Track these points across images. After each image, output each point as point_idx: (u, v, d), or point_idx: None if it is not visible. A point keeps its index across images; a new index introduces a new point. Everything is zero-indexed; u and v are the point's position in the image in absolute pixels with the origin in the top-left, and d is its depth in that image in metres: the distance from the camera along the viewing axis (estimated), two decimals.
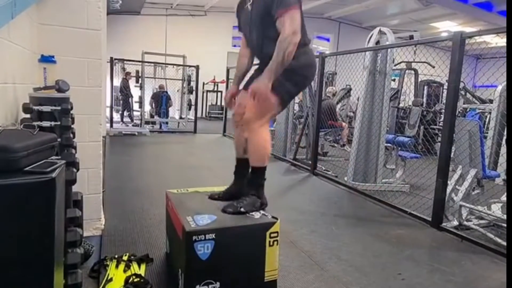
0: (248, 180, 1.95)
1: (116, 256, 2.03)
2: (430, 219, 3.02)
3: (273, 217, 1.87)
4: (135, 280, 1.83)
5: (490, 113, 5.61)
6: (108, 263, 1.99)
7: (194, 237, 1.64)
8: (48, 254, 1.05)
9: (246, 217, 1.84)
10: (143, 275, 1.91)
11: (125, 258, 2.02)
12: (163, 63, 9.89)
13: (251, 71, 2.15)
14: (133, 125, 9.02)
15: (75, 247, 1.39)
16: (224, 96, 2.10)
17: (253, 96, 1.76)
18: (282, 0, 1.77)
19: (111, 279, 1.84)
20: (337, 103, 7.99)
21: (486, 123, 5.88)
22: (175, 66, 9.90)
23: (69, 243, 1.36)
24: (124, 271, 1.92)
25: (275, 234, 1.82)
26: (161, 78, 10.13)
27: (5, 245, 0.98)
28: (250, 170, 1.96)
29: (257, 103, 1.80)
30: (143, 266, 2.01)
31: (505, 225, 2.85)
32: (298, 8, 1.81)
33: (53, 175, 1.04)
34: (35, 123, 1.51)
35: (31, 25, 2.02)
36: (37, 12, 2.10)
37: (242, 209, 1.82)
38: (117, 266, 1.95)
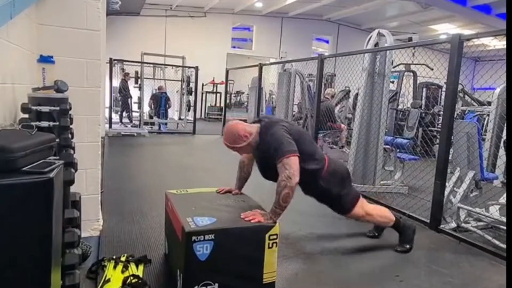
0: (396, 231, 2.62)
1: (114, 257, 2.03)
2: (428, 221, 3.02)
3: None
4: (133, 281, 1.82)
5: (488, 115, 5.62)
6: (106, 264, 1.98)
7: (193, 238, 1.64)
8: (46, 254, 1.05)
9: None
10: (141, 276, 1.91)
11: (123, 259, 2.02)
12: (162, 64, 9.89)
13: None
14: (132, 126, 9.01)
15: (73, 247, 1.39)
16: (220, 189, 2.31)
17: (251, 215, 1.88)
18: (279, 151, 2.01)
19: (108, 280, 1.83)
20: (336, 104, 8.00)
21: (484, 125, 5.89)
22: (174, 67, 9.89)
23: (67, 243, 1.35)
24: (122, 272, 1.91)
25: (275, 237, 1.82)
26: (160, 79, 10.13)
27: (2, 245, 0.97)
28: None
29: (356, 216, 2.43)
30: (141, 267, 2.00)
31: (503, 227, 2.85)
32: (293, 154, 2.01)
33: (51, 175, 1.04)
34: (34, 123, 1.51)
35: (30, 25, 2.02)
36: (36, 12, 2.10)
37: (408, 247, 2.54)
38: (115, 267, 1.95)
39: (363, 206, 2.43)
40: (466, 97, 7.87)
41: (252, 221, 1.80)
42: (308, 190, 2.41)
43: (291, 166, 1.96)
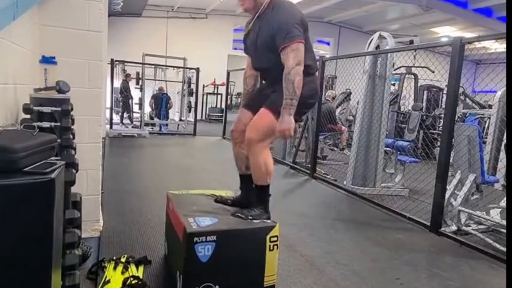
0: (255, 196, 2.02)
1: (114, 258, 2.02)
2: (429, 224, 3.02)
3: (272, 221, 1.87)
4: (133, 282, 1.82)
5: (489, 118, 5.62)
6: (106, 264, 1.98)
7: (195, 239, 1.64)
8: (47, 255, 1.05)
9: (247, 221, 1.84)
10: (141, 277, 1.90)
11: (123, 259, 2.01)
12: (163, 65, 9.90)
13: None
14: (132, 127, 9.02)
15: (73, 248, 1.39)
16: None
17: (283, 138, 1.84)
18: (286, 34, 1.82)
19: (108, 281, 1.83)
20: (337, 107, 8.00)
21: (485, 128, 5.89)
22: (175, 68, 9.90)
23: (67, 244, 1.35)
24: (122, 273, 1.91)
25: (275, 238, 1.81)
26: (161, 80, 10.14)
27: (3, 245, 0.98)
28: (255, 186, 2.01)
29: (260, 124, 1.90)
30: (141, 268, 2.00)
31: (503, 230, 2.85)
32: (302, 40, 1.86)
33: (53, 175, 1.04)
34: (35, 124, 1.51)
35: (32, 26, 2.03)
36: (39, 13, 2.11)
37: (250, 217, 1.88)
38: (115, 268, 1.95)
39: (269, 138, 1.95)
40: (467, 100, 7.87)
41: (278, 132, 1.79)
42: (271, 79, 2.04)
43: (300, 52, 1.83)
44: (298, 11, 1.96)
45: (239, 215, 1.87)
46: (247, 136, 1.92)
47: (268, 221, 1.87)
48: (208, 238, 1.65)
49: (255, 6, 1.97)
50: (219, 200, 2.10)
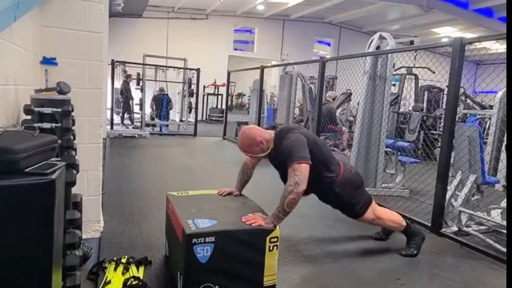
0: (405, 235, 2.61)
1: (115, 259, 2.03)
2: (429, 224, 3.01)
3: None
4: (134, 282, 1.83)
5: (490, 118, 5.62)
6: (106, 265, 1.98)
7: (194, 240, 1.64)
8: (47, 255, 1.05)
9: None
10: (141, 277, 1.90)
11: (123, 260, 2.02)
12: (164, 66, 9.91)
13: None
14: (133, 128, 9.02)
15: (73, 249, 1.39)
16: (221, 191, 2.30)
17: (251, 218, 1.87)
18: (292, 155, 2.02)
19: (109, 282, 1.83)
20: (337, 107, 8.00)
21: (486, 129, 5.88)
22: (176, 69, 9.91)
23: (68, 245, 1.36)
24: (123, 273, 1.91)
25: (275, 239, 1.82)
26: (162, 81, 10.15)
27: (4, 246, 0.98)
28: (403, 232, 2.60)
29: (366, 220, 2.43)
30: (141, 269, 2.00)
31: (504, 231, 2.84)
32: (305, 161, 2.02)
33: (53, 176, 1.04)
34: (36, 125, 1.51)
35: (33, 27, 2.03)
36: (40, 14, 2.11)
37: (415, 252, 2.49)
38: (115, 269, 1.95)
39: (374, 210, 2.43)
40: (468, 100, 7.86)
41: (252, 224, 1.80)
42: (323, 196, 2.44)
43: (301, 172, 1.96)
44: (301, 136, 2.13)
45: (406, 253, 2.48)
46: (373, 224, 2.52)
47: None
48: (207, 239, 1.66)
49: (266, 153, 2.19)
50: (376, 238, 2.75)
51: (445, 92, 4.52)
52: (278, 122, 2.56)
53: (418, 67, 7.24)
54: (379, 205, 2.68)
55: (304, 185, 1.96)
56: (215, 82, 13.33)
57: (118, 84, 9.29)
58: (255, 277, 1.81)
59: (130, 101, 9.67)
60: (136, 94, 9.38)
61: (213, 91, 13.87)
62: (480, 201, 3.27)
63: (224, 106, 11.30)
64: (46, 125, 1.65)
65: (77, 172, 1.61)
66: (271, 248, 1.81)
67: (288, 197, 1.92)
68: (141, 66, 8.67)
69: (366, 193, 2.47)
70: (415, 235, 2.54)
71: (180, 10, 13.08)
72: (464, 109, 7.30)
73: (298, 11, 13.14)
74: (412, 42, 5.40)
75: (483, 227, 3.01)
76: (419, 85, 7.99)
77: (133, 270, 1.95)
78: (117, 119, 9.40)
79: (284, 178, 2.24)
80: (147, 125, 8.94)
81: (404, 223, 2.53)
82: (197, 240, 1.64)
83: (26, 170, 1.04)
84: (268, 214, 1.94)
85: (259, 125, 6.81)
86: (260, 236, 1.79)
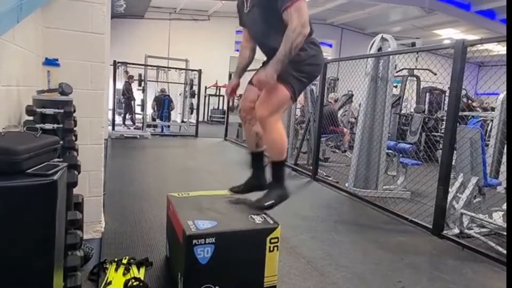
0: (273, 175, 1.97)
1: (116, 259, 2.03)
2: (431, 226, 3.01)
3: (274, 222, 1.87)
4: (135, 283, 1.83)
5: (492, 121, 5.60)
6: (107, 266, 1.99)
7: (194, 241, 1.64)
8: (48, 256, 1.06)
9: (247, 222, 1.84)
10: (142, 278, 1.91)
11: (124, 261, 2.02)
12: (165, 67, 9.93)
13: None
14: (134, 128, 9.04)
15: (75, 249, 1.40)
16: (226, 89, 2.10)
17: (258, 85, 1.75)
18: None
19: (110, 282, 1.84)
20: (339, 109, 7.99)
21: (488, 131, 5.87)
22: (177, 70, 9.93)
23: (69, 245, 1.36)
24: (124, 274, 1.91)
25: (276, 240, 1.82)
26: (163, 82, 10.16)
27: (5, 247, 0.98)
28: (270, 164, 1.98)
29: (269, 98, 1.82)
30: (142, 270, 2.00)
31: (506, 233, 2.84)
32: (305, 1, 1.79)
33: (55, 177, 1.05)
34: (38, 126, 1.52)
35: (35, 28, 2.04)
36: (42, 16, 2.12)
37: (272, 202, 1.92)
38: (116, 269, 1.95)
39: (281, 110, 1.91)
40: (469, 102, 7.84)
41: (263, 87, 1.69)
42: (273, 52, 1.84)
43: (305, 12, 1.75)
44: None
45: (258, 205, 1.88)
46: (258, 114, 1.87)
47: (268, 220, 1.86)
48: (207, 240, 1.66)
49: None
50: (232, 189, 2.10)
51: (447, 94, 4.51)
52: None
53: (420, 69, 7.23)
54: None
55: (308, 27, 1.75)
56: (216, 83, 13.34)
57: (120, 85, 9.31)
58: (256, 278, 1.81)
59: (132, 102, 9.69)
60: (137, 95, 9.40)
61: (215, 92, 13.88)
62: (482, 203, 3.26)
63: (225, 107, 11.30)
64: (48, 126, 1.65)
65: (79, 173, 1.61)
66: (271, 249, 1.81)
67: (297, 40, 1.71)
68: (143, 67, 8.69)
69: (301, 89, 1.99)
70: (283, 185, 1.99)
71: (182, 11, 13.11)
72: (465, 111, 7.28)
73: None
74: (413, 44, 5.40)
75: (484, 230, 3.00)
76: (421, 86, 7.99)
77: (134, 271, 1.96)
78: (118, 119, 9.42)
79: (257, 30, 1.99)
80: (149, 126, 8.95)
81: (285, 156, 1.98)
82: (198, 241, 1.65)
83: (28, 171, 1.04)
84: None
85: None
86: (261, 237, 1.79)
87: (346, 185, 4.33)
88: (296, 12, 1.74)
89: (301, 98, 7.27)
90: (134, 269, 1.97)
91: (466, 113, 6.92)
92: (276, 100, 1.85)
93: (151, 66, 9.14)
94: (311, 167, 5.01)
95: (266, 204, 1.91)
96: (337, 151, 7.34)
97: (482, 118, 6.30)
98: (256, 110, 1.88)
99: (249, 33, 2.13)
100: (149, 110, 9.48)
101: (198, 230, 1.68)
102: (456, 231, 2.96)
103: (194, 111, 9.46)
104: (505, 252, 2.56)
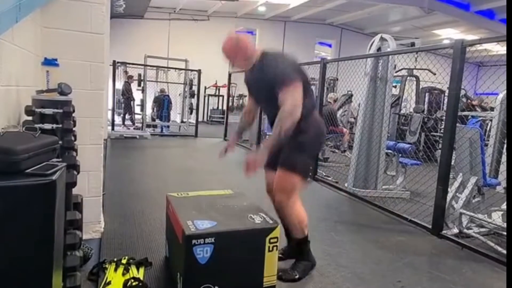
0: (297, 250, 2.17)
1: (115, 259, 2.03)
2: (430, 226, 3.01)
3: (274, 221, 1.88)
4: (134, 283, 1.83)
5: (491, 120, 5.61)
6: (107, 266, 1.99)
7: (193, 241, 1.64)
8: (48, 256, 1.06)
9: (246, 222, 1.85)
10: (141, 278, 1.90)
11: (124, 261, 2.02)
12: (165, 67, 9.93)
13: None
14: (134, 128, 9.03)
15: (74, 249, 1.39)
16: (223, 149, 2.29)
17: (246, 168, 1.85)
18: (283, 79, 1.87)
19: (109, 282, 1.83)
20: (338, 109, 8.00)
21: (487, 130, 5.88)
22: (177, 70, 9.93)
23: (68, 245, 1.36)
24: (123, 274, 1.91)
25: (275, 240, 1.82)
26: (163, 82, 10.16)
27: (4, 247, 0.98)
28: (295, 240, 2.15)
29: (283, 186, 2.00)
30: (141, 270, 2.00)
31: (505, 233, 2.84)
32: (299, 82, 1.89)
33: (54, 177, 1.05)
34: (37, 126, 1.52)
35: (35, 28, 2.04)
36: (41, 16, 2.12)
37: (297, 277, 2.05)
38: (116, 270, 1.95)
39: (297, 191, 2.06)
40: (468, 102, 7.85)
41: (249, 171, 1.80)
42: (271, 108, 2.03)
43: (298, 95, 1.84)
44: (291, 58, 2.01)
45: (287, 278, 2.02)
46: (276, 199, 2.05)
47: (268, 219, 1.86)
48: (207, 240, 1.66)
49: (246, 64, 2.05)
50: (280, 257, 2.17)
51: (446, 94, 4.51)
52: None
53: (419, 69, 7.24)
54: None
55: (300, 109, 1.84)
56: (216, 83, 13.34)
57: (119, 85, 9.30)
58: (255, 277, 1.81)
59: (131, 102, 9.68)
60: (137, 95, 9.40)
61: (214, 92, 13.88)
62: (481, 203, 3.26)
63: (225, 107, 11.30)
64: (47, 126, 1.65)
65: (78, 172, 1.61)
66: (270, 249, 1.81)
67: (287, 123, 1.81)
68: (142, 67, 8.69)
69: (311, 165, 2.23)
70: (307, 257, 2.16)
71: (182, 11, 13.11)
72: (464, 111, 7.29)
73: (299, 12, 13.15)
74: (413, 44, 5.40)
75: (484, 229, 3.00)
76: (420, 86, 7.99)
77: (133, 271, 1.95)
78: (118, 120, 9.41)
79: (260, 102, 2.19)
80: (148, 126, 8.95)
81: (306, 233, 2.12)
82: (197, 241, 1.65)
83: (27, 171, 1.04)
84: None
85: (260, 125, 6.82)
86: (260, 237, 1.79)
87: (346, 185, 4.33)
88: (289, 94, 1.84)
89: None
90: (133, 269, 1.97)
91: (466, 113, 6.93)
92: (290, 186, 2.01)
93: (150, 66, 9.14)
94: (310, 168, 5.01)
95: (291, 278, 2.04)
96: (336, 151, 7.34)
97: (481, 118, 6.30)
98: (275, 195, 2.06)
99: (255, 100, 2.27)
100: (149, 110, 9.47)
101: (198, 230, 1.68)
102: (456, 231, 2.96)
103: (194, 111, 9.46)
104: (504, 251, 2.57)
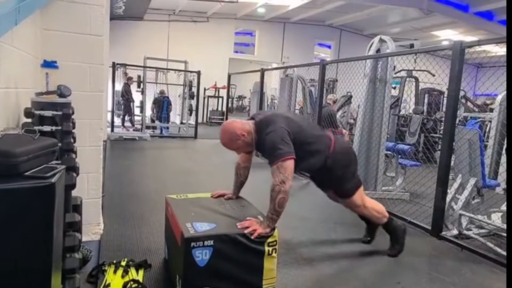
0: (388, 232, 2.62)
1: (115, 262, 2.03)
2: (429, 227, 3.01)
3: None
4: (133, 286, 1.82)
5: (490, 122, 5.62)
6: (106, 268, 1.98)
7: (192, 244, 1.64)
8: (47, 258, 1.05)
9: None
10: (141, 281, 1.90)
11: (123, 263, 2.02)
12: (165, 68, 9.93)
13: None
14: (134, 130, 9.03)
15: (73, 252, 1.39)
16: (215, 193, 2.32)
17: (246, 227, 1.83)
18: (273, 153, 1.99)
19: (109, 285, 1.83)
20: (338, 110, 8.00)
21: (486, 132, 5.88)
22: (176, 71, 9.93)
23: (68, 247, 1.36)
24: (122, 276, 1.91)
25: (274, 243, 1.82)
26: (162, 83, 10.16)
27: (4, 249, 0.98)
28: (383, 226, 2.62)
29: (354, 204, 2.42)
30: (141, 272, 2.00)
31: (505, 234, 2.84)
32: (288, 157, 1.98)
33: (53, 180, 1.05)
34: (36, 128, 1.52)
35: (34, 31, 2.04)
36: (41, 18, 2.12)
37: (395, 253, 2.53)
38: (115, 272, 1.95)
39: (362, 196, 2.42)
40: (468, 103, 7.86)
41: (247, 231, 1.78)
42: (316, 174, 2.42)
43: (286, 169, 1.94)
44: (280, 129, 2.05)
45: (394, 253, 2.52)
46: (355, 211, 2.52)
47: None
48: (206, 243, 1.66)
49: (250, 145, 2.14)
50: (365, 241, 2.74)
51: (446, 95, 4.52)
52: (256, 112, 2.55)
53: (419, 70, 7.24)
54: None
55: (290, 181, 1.94)
56: (215, 85, 13.34)
57: (119, 86, 9.30)
58: (254, 281, 1.81)
59: (131, 104, 9.67)
60: (136, 97, 9.39)
61: (214, 94, 13.88)
62: (481, 204, 3.26)
63: (224, 109, 11.31)
64: (47, 128, 1.65)
65: (77, 175, 1.61)
66: (270, 252, 1.81)
67: (278, 198, 1.90)
68: (142, 68, 8.69)
69: (357, 175, 2.45)
70: (397, 229, 2.56)
71: (181, 13, 13.11)
72: (464, 112, 7.30)
73: (299, 14, 13.16)
74: (412, 45, 5.42)
75: (483, 231, 3.00)
76: (420, 88, 8.00)
77: (133, 273, 1.95)
78: (117, 121, 9.41)
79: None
80: (148, 127, 8.95)
81: (387, 215, 2.54)
82: (196, 244, 1.64)
83: (26, 173, 1.05)
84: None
85: None
86: (259, 240, 1.79)
87: None
88: (277, 170, 1.95)
89: (300, 99, 7.29)
90: (132, 271, 1.97)
91: (466, 114, 6.94)
92: (356, 203, 2.41)
93: (150, 67, 9.14)
94: None
95: (396, 252, 2.53)
96: None
97: (481, 119, 6.31)
98: (354, 210, 2.51)
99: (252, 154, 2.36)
100: (148, 112, 9.47)
101: (197, 233, 1.68)
102: (455, 232, 2.96)
103: (193, 112, 9.46)
104: (504, 253, 2.57)
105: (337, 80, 9.26)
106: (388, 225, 2.55)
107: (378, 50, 4.21)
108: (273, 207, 1.90)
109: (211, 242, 1.67)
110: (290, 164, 1.97)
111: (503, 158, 4.39)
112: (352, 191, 2.36)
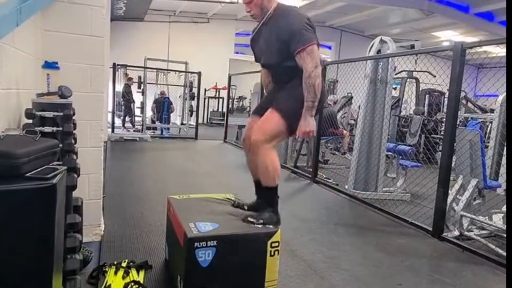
0: (264, 198, 2.04)
1: (115, 263, 2.02)
2: (431, 229, 3.00)
3: (274, 226, 1.87)
4: (134, 287, 1.82)
5: (491, 122, 5.61)
6: (107, 269, 1.98)
7: (195, 244, 1.64)
8: (48, 259, 1.05)
9: (248, 226, 1.84)
10: (142, 282, 1.90)
11: (124, 264, 2.01)
12: (165, 69, 9.95)
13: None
14: (134, 131, 9.03)
15: (74, 253, 1.39)
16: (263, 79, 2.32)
17: (303, 136, 1.91)
18: (300, 38, 1.87)
19: (109, 286, 1.83)
20: (338, 111, 8.00)
21: (487, 133, 5.88)
22: (177, 72, 9.94)
23: (68, 249, 1.36)
24: (123, 277, 1.91)
25: (276, 244, 1.81)
26: (163, 84, 10.17)
27: (4, 250, 0.98)
28: (263, 188, 2.03)
29: (265, 125, 1.94)
30: (142, 273, 2.00)
31: (506, 235, 2.83)
32: (315, 42, 1.91)
33: (54, 181, 1.04)
34: (37, 129, 1.52)
35: (35, 32, 2.04)
36: (42, 19, 2.12)
37: (261, 221, 1.88)
38: (116, 273, 1.94)
39: (275, 139, 1.97)
40: (469, 104, 7.86)
41: (303, 133, 1.89)
42: (278, 80, 2.11)
43: (316, 55, 1.89)
44: (304, 15, 1.99)
45: (250, 219, 1.88)
46: (253, 138, 1.94)
47: (271, 226, 1.86)
48: (209, 243, 1.65)
49: (261, 12, 2.02)
50: (236, 205, 2.11)
51: (446, 96, 4.51)
52: None
53: (419, 71, 7.25)
54: None
55: (320, 67, 1.90)
56: (216, 86, 13.36)
57: (119, 87, 9.31)
58: (256, 282, 1.80)
59: (132, 104, 9.69)
60: (137, 97, 9.40)
61: (214, 95, 13.89)
62: (482, 205, 3.25)
63: (225, 110, 11.31)
64: (48, 129, 1.65)
65: (78, 176, 1.61)
66: (272, 253, 1.80)
67: (317, 82, 1.87)
68: (142, 69, 8.70)
69: (297, 124, 1.97)
70: (276, 209, 2.00)
71: (182, 14, 13.13)
72: (465, 112, 7.30)
73: None
74: (413, 46, 5.42)
75: (484, 232, 3.00)
76: (420, 88, 8.00)
77: (134, 274, 1.95)
78: (118, 122, 9.41)
79: (268, 62, 2.10)
80: (148, 128, 8.95)
81: (277, 183, 1.99)
82: (199, 244, 1.64)
83: (27, 174, 1.04)
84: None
85: None
86: (262, 241, 1.78)
87: (346, 187, 4.33)
88: (308, 55, 1.86)
89: None
90: (133, 272, 1.97)
91: (466, 115, 6.93)
92: (271, 129, 1.94)
93: (150, 68, 9.15)
94: (310, 169, 5.01)
95: (256, 222, 1.87)
96: (336, 153, 7.34)
97: (482, 120, 6.30)
98: (252, 135, 1.97)
99: (260, 62, 2.22)
100: (149, 113, 9.48)
101: (200, 233, 1.67)
102: (456, 233, 2.95)
103: (194, 113, 9.47)
104: (505, 254, 2.56)
105: (337, 81, 9.26)
106: (271, 195, 2.01)
107: (378, 51, 4.21)
108: (314, 93, 1.86)
109: (214, 243, 1.66)
110: (317, 50, 1.92)
111: (504, 159, 4.39)
112: (288, 113, 1.93)
